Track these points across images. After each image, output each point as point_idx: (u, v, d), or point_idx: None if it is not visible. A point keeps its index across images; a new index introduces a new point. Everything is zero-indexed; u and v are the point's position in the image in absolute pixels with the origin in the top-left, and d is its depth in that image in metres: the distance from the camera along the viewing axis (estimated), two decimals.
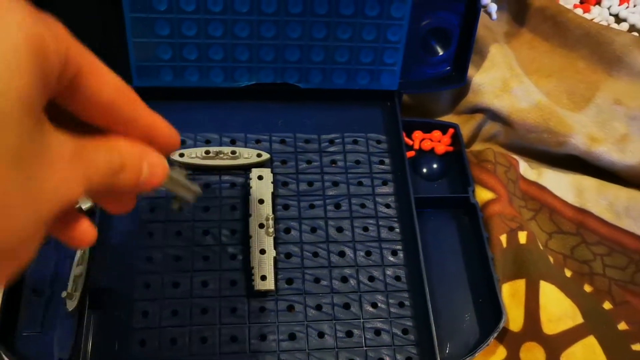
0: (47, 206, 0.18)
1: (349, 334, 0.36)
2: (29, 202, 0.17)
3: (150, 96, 0.41)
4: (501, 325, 0.37)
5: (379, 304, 0.37)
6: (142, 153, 0.23)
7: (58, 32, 0.19)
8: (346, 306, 0.37)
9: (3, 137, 0.16)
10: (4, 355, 0.33)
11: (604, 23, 0.56)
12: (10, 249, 0.17)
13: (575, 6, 0.57)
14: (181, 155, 0.40)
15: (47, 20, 0.19)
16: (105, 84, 0.21)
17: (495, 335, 0.37)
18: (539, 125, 0.45)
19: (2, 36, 0.17)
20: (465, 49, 0.44)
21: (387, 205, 0.41)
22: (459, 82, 0.45)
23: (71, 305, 0.34)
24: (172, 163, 0.28)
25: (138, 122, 0.22)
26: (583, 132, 0.45)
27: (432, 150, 0.46)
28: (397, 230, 0.40)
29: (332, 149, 0.43)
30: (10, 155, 0.16)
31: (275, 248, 0.37)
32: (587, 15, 0.56)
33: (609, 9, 0.58)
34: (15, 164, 0.16)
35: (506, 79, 0.46)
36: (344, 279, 0.37)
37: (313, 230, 0.39)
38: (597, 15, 0.57)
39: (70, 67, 0.20)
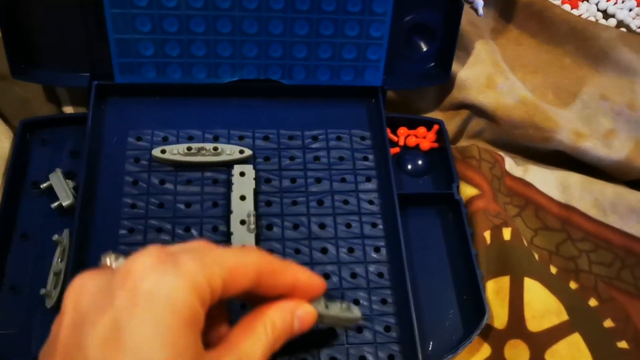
0: None
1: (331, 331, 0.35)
2: None
3: (133, 93, 0.42)
4: (484, 322, 0.37)
5: (361, 301, 0.37)
6: (292, 313, 0.27)
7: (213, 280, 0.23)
8: None
9: None
10: None
11: (592, 19, 0.56)
12: None
13: (563, 2, 0.57)
14: (163, 151, 0.39)
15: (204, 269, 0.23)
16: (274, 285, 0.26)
17: (479, 332, 0.36)
18: (524, 120, 0.45)
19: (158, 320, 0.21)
20: (449, 45, 0.44)
21: (371, 202, 0.41)
22: (443, 78, 0.45)
23: (50, 302, 0.34)
24: (327, 299, 0.30)
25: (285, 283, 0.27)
26: (568, 127, 0.45)
27: (417, 147, 0.45)
28: (380, 226, 0.40)
29: (315, 145, 0.42)
30: None
31: (257, 244, 0.37)
32: (575, 12, 0.56)
33: (597, 4, 0.57)
34: None
35: (491, 74, 0.46)
36: (326, 276, 0.37)
37: (295, 227, 0.39)
38: (585, 11, 0.57)
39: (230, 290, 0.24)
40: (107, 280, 0.23)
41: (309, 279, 0.28)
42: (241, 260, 0.25)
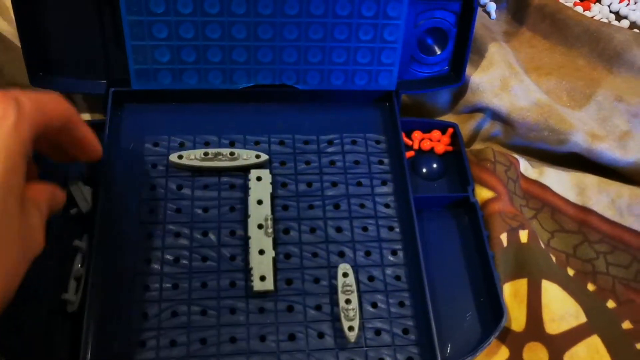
0: (29, 252, 0.28)
1: None
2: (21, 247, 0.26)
3: (149, 99, 0.42)
4: (502, 324, 0.37)
5: (379, 304, 0.37)
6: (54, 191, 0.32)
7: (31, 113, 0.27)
8: None
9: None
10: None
11: (605, 21, 0.56)
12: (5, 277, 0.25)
13: (575, 4, 0.57)
14: (180, 157, 0.40)
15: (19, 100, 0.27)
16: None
17: (497, 334, 0.36)
18: (539, 123, 0.45)
19: None
20: (462, 48, 0.44)
21: (387, 205, 0.41)
22: (456, 81, 0.45)
23: (71, 307, 0.34)
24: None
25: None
26: (584, 129, 0.45)
27: (431, 150, 0.45)
28: (397, 230, 0.40)
29: (330, 149, 0.43)
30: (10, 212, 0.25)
31: (274, 249, 0.37)
32: (587, 13, 0.56)
33: (609, 6, 0.57)
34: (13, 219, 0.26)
35: (505, 77, 0.46)
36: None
37: (312, 230, 0.39)
38: (598, 12, 0.57)
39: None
40: None
41: (94, 139, 0.33)
42: (61, 105, 0.30)
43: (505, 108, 0.45)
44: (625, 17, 0.57)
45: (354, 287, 0.36)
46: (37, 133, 0.27)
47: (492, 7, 0.45)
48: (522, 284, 0.39)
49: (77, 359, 0.33)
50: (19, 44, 0.40)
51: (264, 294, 0.36)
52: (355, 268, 0.38)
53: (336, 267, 0.37)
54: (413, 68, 0.45)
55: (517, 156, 0.45)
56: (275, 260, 0.37)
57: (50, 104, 0.29)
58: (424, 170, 0.44)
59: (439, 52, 0.45)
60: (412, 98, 0.48)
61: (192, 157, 0.40)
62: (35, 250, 0.28)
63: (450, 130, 0.45)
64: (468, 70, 0.45)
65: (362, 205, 0.40)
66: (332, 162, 0.42)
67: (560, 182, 0.44)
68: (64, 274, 0.35)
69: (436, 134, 0.46)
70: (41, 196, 0.30)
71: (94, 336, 0.34)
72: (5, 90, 0.27)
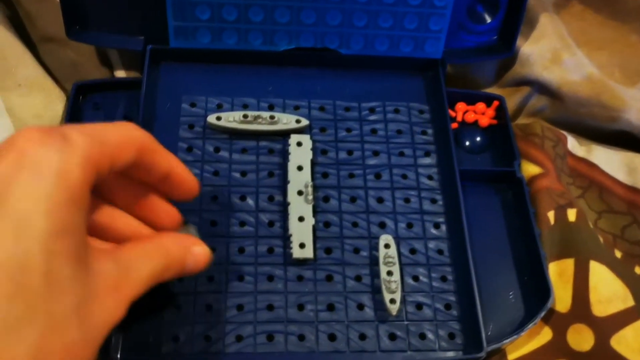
0: (94, 331, 0.21)
1: None
2: (79, 324, 0.20)
3: (187, 58, 0.41)
4: (549, 304, 0.35)
5: (421, 277, 0.36)
6: (187, 247, 0.26)
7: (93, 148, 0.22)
8: None
9: (55, 269, 0.19)
10: None
11: None
12: None
13: None
14: (218, 119, 0.38)
15: (85, 138, 0.22)
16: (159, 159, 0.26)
17: (543, 314, 0.35)
18: (590, 99, 0.43)
19: (32, 186, 0.19)
20: (514, 17, 0.42)
21: (430, 177, 0.39)
22: (506, 51, 0.43)
23: None
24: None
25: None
26: (637, 107, 0.43)
27: (475, 123, 0.44)
28: (440, 202, 0.38)
29: (372, 117, 0.41)
30: (61, 284, 0.19)
31: (314, 216, 0.36)
32: None
33: None
34: (66, 291, 0.20)
35: (557, 49, 0.43)
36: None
37: (352, 199, 0.38)
38: None
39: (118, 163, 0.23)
40: None
41: (184, 171, 0.27)
42: (127, 134, 0.24)
43: (556, 82, 0.43)
44: None
45: (396, 259, 0.35)
46: (99, 174, 0.22)
47: None
48: (569, 263, 0.38)
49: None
50: None
51: (302, 262, 0.35)
52: (397, 240, 0.36)
53: (377, 238, 0.36)
54: (460, 36, 0.43)
55: (564, 132, 0.44)
56: (314, 228, 0.36)
57: (114, 134, 0.23)
58: (467, 143, 0.43)
59: (489, 20, 0.43)
60: (454, 68, 0.46)
61: (231, 119, 0.38)
62: (108, 323, 0.22)
63: (496, 103, 0.43)
64: (517, 41, 0.43)
65: (404, 176, 0.39)
66: (374, 131, 0.40)
67: (610, 161, 0.42)
68: None
69: (481, 106, 0.44)
70: (134, 251, 0.24)
71: None
72: (52, 126, 0.22)
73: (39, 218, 0.19)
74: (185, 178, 0.27)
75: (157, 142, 0.26)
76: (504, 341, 0.34)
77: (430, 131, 0.41)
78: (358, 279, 0.35)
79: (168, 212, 0.29)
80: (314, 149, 0.38)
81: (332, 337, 0.33)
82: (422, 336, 0.34)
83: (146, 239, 0.25)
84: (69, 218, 0.20)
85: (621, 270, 0.38)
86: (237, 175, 0.37)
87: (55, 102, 0.40)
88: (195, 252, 0.27)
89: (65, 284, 0.20)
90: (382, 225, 0.37)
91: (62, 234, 0.20)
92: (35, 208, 0.19)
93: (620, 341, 0.35)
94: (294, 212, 0.35)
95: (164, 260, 0.25)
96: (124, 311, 0.22)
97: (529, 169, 0.41)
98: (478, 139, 0.43)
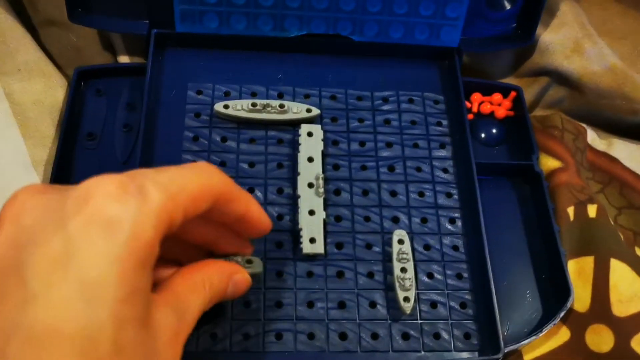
0: None
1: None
2: None
3: (193, 43, 0.39)
4: (569, 304, 0.34)
5: (435, 275, 0.34)
6: (229, 277, 0.26)
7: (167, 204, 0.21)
8: None
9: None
10: None
11: None
12: None
13: None
14: (226, 107, 0.37)
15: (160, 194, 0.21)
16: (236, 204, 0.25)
17: (563, 313, 0.34)
18: (612, 90, 0.41)
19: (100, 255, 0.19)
20: (535, 4, 0.40)
21: (445, 170, 0.38)
22: (525, 40, 0.41)
23: None
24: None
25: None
26: None
27: (491, 114, 0.42)
28: (456, 197, 0.37)
29: (386, 107, 0.39)
30: (127, 350, 0.19)
31: (324, 210, 0.34)
32: None
33: None
34: (132, 356, 0.19)
35: (578, 39, 0.42)
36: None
37: (365, 193, 0.36)
38: None
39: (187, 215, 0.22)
40: (57, 200, 0.20)
41: (259, 213, 0.26)
42: (204, 184, 0.23)
43: (577, 72, 0.41)
44: None
45: (410, 256, 0.34)
46: (171, 228, 0.21)
47: None
48: (588, 261, 0.36)
49: None
50: None
51: (313, 258, 0.34)
52: (410, 235, 0.35)
53: (389, 233, 0.35)
54: (478, 24, 0.41)
55: (584, 125, 0.42)
56: (325, 223, 0.34)
57: (192, 184, 0.22)
58: (483, 135, 0.41)
59: (508, 7, 0.41)
60: (470, 57, 0.44)
61: (239, 107, 0.37)
62: None
63: (513, 93, 0.42)
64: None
65: (418, 169, 0.37)
66: (387, 121, 0.39)
67: (631, 155, 0.41)
68: None
69: (497, 97, 0.42)
70: (183, 287, 0.24)
71: None
72: (129, 174, 0.21)
73: (110, 284, 0.18)
74: (259, 219, 0.27)
75: (235, 186, 0.25)
76: (522, 342, 0.33)
77: (445, 122, 0.39)
78: (370, 275, 0.34)
79: (238, 246, 0.28)
80: (325, 140, 0.37)
81: (343, 336, 0.32)
82: (437, 336, 0.32)
83: (194, 270, 0.25)
84: (138, 281, 0.19)
85: None
86: (245, 166, 0.36)
87: (55, 87, 0.38)
88: (236, 279, 0.27)
89: (131, 349, 0.19)
90: (396, 220, 0.36)
91: (131, 299, 0.19)
92: (107, 272, 0.18)
93: None
94: (304, 205, 0.34)
95: (209, 295, 0.25)
96: (181, 354, 0.22)
97: (548, 163, 0.39)
98: (494, 130, 0.41)
